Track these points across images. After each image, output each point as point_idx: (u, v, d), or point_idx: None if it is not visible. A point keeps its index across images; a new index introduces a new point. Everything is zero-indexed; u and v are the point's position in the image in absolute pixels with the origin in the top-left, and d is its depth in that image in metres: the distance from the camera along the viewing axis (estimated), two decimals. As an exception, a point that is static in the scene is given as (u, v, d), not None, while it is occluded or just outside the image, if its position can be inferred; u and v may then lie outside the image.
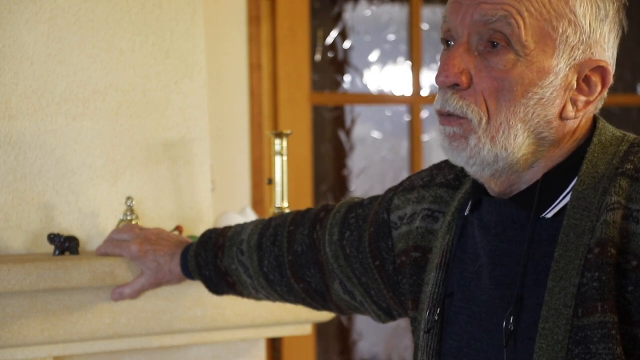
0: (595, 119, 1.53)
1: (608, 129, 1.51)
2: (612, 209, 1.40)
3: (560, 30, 1.44)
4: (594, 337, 1.37)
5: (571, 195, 1.45)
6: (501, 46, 1.43)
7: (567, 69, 1.45)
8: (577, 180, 1.45)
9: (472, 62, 1.45)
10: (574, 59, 1.45)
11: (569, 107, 1.47)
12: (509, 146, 1.45)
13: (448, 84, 1.46)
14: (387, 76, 3.77)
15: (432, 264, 1.61)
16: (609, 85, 1.49)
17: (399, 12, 3.77)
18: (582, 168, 1.46)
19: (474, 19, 1.44)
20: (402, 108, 3.80)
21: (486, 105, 1.44)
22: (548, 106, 1.45)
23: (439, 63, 1.50)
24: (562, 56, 1.45)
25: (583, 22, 1.45)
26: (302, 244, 1.87)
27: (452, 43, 1.48)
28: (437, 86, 1.49)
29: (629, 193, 1.40)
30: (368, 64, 3.76)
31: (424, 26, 3.77)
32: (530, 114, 1.45)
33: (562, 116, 1.46)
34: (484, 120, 1.44)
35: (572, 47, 1.45)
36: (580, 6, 1.45)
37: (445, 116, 1.48)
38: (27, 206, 2.15)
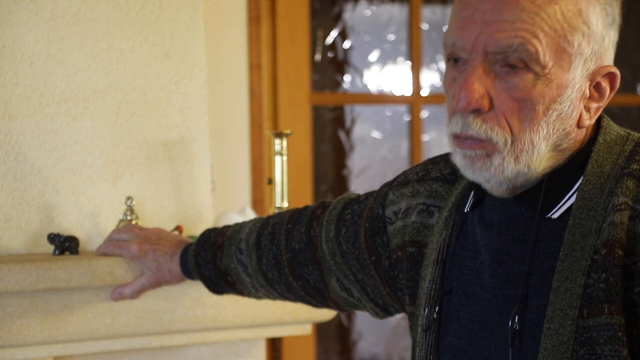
0: (598, 117, 1.52)
1: (613, 128, 1.51)
2: (619, 210, 1.39)
3: (576, 44, 1.42)
4: (600, 339, 1.37)
5: (577, 195, 1.45)
6: (519, 68, 1.41)
7: (582, 79, 1.44)
8: (582, 180, 1.45)
9: (491, 84, 1.42)
10: (587, 69, 1.45)
11: (585, 115, 1.46)
12: (532, 164, 1.44)
13: (470, 110, 1.42)
14: (387, 76, 3.77)
15: (428, 259, 1.61)
16: (616, 89, 1.49)
17: (399, 12, 3.77)
18: (588, 168, 1.46)
19: (489, 49, 1.41)
20: (402, 108, 3.80)
21: (509, 126, 1.42)
22: (566, 119, 1.44)
23: (445, 80, 1.46)
24: (577, 68, 1.43)
25: (596, 31, 1.44)
26: (300, 241, 1.87)
27: (461, 60, 1.44)
28: (456, 110, 1.44)
29: (636, 194, 1.40)
30: (368, 64, 3.76)
31: (424, 26, 3.77)
32: (552, 130, 1.43)
33: (579, 125, 1.46)
34: (509, 142, 1.42)
35: (586, 58, 1.44)
36: (594, 14, 1.43)
37: (463, 139, 1.45)
38: (27, 206, 2.15)
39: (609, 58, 1.47)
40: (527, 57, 1.39)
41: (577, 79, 1.43)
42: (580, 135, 1.48)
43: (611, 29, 1.46)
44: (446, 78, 1.47)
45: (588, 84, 1.45)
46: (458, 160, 1.47)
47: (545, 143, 1.44)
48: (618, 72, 1.48)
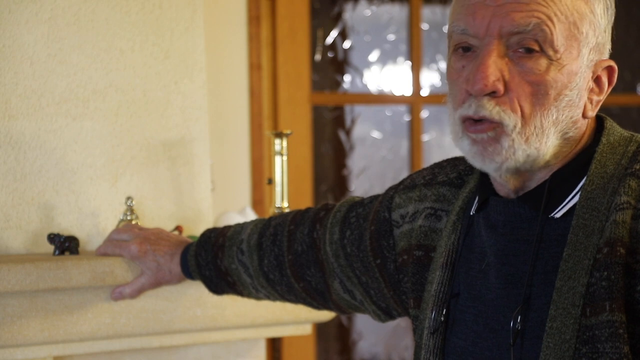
0: (601, 119, 1.54)
1: (616, 130, 1.52)
2: (621, 209, 1.40)
3: (584, 32, 1.45)
4: (602, 336, 1.37)
5: (580, 195, 1.45)
6: (535, 51, 1.42)
7: (587, 69, 1.47)
8: (586, 180, 1.46)
9: (505, 67, 1.43)
10: (591, 60, 1.47)
11: (589, 106, 1.48)
12: (541, 148, 1.45)
13: (486, 92, 1.43)
14: (387, 76, 3.77)
15: (436, 263, 1.61)
16: (614, 84, 1.51)
17: (399, 12, 3.77)
18: (591, 168, 1.46)
19: (504, 30, 1.42)
20: (402, 108, 3.80)
21: (521, 109, 1.43)
22: (574, 107, 1.46)
23: (447, 67, 1.48)
24: (584, 57, 1.45)
25: (600, 21, 1.47)
26: (303, 243, 1.87)
27: (471, 49, 1.45)
28: (471, 94, 1.44)
29: (639, 193, 1.41)
30: (368, 64, 3.76)
31: (424, 26, 3.77)
32: (561, 116, 1.45)
33: (584, 115, 1.48)
34: (519, 125, 1.43)
35: (591, 48, 1.46)
36: (598, 4, 1.46)
37: (473, 123, 1.45)
38: (27, 206, 2.15)
39: (607, 50, 1.49)
40: (542, 38, 1.41)
41: (583, 68, 1.46)
42: (583, 126, 1.49)
43: (608, 15, 1.48)
44: (452, 68, 1.48)
45: (591, 75, 1.47)
46: (466, 147, 1.46)
47: (554, 129, 1.45)
48: (615, 67, 1.50)
